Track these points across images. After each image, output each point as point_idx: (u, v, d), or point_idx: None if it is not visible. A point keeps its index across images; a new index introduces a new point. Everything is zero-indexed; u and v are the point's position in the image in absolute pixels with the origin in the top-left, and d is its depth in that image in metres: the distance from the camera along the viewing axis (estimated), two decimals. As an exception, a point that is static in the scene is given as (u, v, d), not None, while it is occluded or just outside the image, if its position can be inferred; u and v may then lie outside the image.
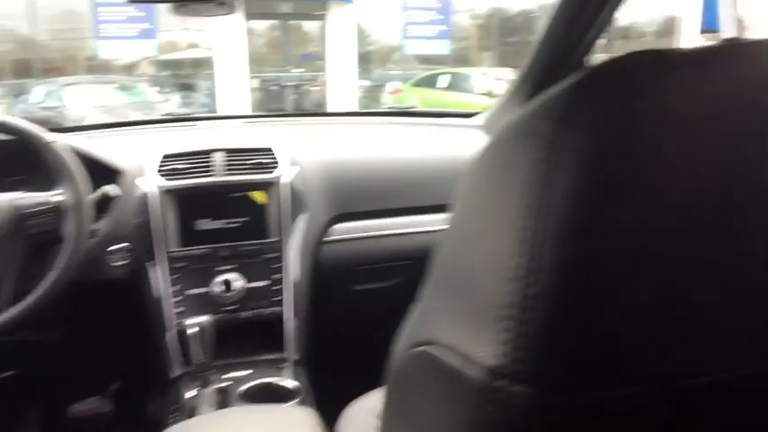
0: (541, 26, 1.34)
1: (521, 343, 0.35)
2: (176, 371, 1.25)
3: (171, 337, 1.24)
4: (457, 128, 1.72)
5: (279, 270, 1.30)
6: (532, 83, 1.49)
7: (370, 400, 1.09)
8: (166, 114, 1.72)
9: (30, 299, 1.00)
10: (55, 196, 1.06)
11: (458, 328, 0.40)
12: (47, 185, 1.10)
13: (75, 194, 1.06)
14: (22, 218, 1.02)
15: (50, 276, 1.01)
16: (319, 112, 2.13)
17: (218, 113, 2.18)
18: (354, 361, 1.70)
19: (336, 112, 1.93)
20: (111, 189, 1.15)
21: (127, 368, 1.71)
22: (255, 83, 12.15)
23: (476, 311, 0.38)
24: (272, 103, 11.87)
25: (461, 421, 0.38)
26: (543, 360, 0.35)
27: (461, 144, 1.61)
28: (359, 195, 1.43)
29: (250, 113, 1.74)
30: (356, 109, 11.28)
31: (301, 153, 1.43)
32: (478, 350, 0.37)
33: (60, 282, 1.02)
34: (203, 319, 1.09)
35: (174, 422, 1.08)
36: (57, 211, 1.05)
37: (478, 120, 1.76)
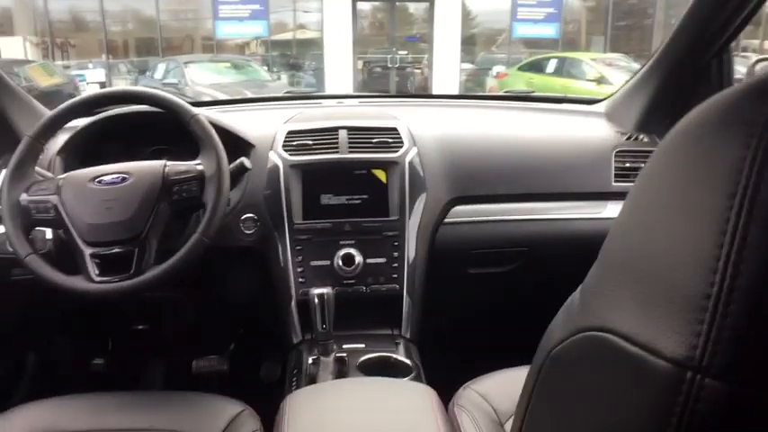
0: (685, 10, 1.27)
1: (717, 336, 0.34)
2: (297, 337, 1.31)
3: (294, 305, 1.30)
4: (577, 114, 1.66)
5: (397, 249, 1.32)
6: (667, 70, 1.41)
7: (482, 384, 1.10)
8: (288, 92, 1.79)
9: (173, 260, 1.08)
10: (198, 165, 1.14)
11: (637, 317, 0.39)
12: (189, 155, 1.17)
13: (216, 164, 1.12)
14: (169, 184, 1.11)
15: (193, 239, 1.09)
16: (434, 95, 2.13)
17: (336, 92, 2.23)
18: (465, 343, 1.71)
19: (451, 94, 1.91)
20: (245, 161, 1.21)
21: (246, 331, 1.82)
22: (359, 64, 12.33)
23: (661, 301, 0.37)
24: (376, 85, 11.99)
25: (644, 408, 0.38)
26: (740, 354, 0.34)
27: (583, 131, 1.56)
28: (479, 179, 1.42)
29: (368, 93, 1.77)
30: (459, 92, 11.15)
31: (424, 134, 1.44)
32: (664, 340, 0.36)
33: (201, 245, 1.09)
34: (326, 290, 1.13)
35: (296, 386, 1.13)
36: (199, 179, 1.12)
37: (600, 107, 1.69)
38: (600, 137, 1.51)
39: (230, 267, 1.13)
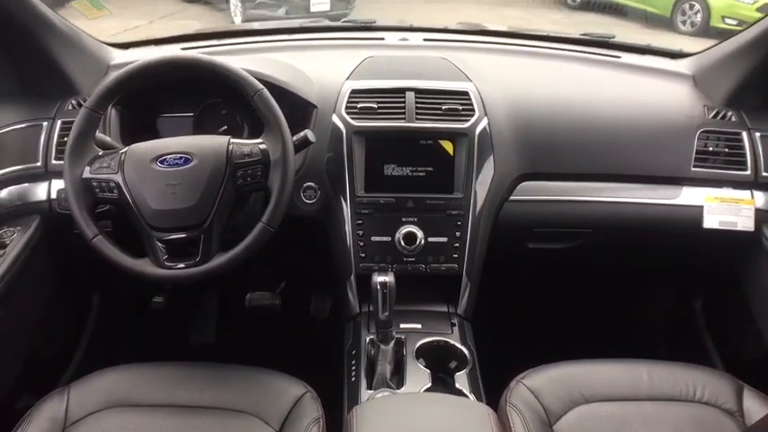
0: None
1: None
2: (355, 310, 1.32)
3: (353, 278, 1.30)
4: (662, 76, 1.52)
5: (459, 228, 1.28)
6: None
7: (535, 379, 1.10)
8: (347, 21, 1.66)
9: (238, 249, 1.06)
10: (261, 145, 1.08)
11: None
12: (253, 132, 1.12)
13: (282, 148, 1.07)
14: (233, 167, 1.06)
15: (258, 228, 1.06)
16: (505, 32, 1.93)
17: (401, 22, 2.03)
18: (519, 320, 1.72)
19: (524, 33, 1.75)
20: (309, 134, 1.15)
21: (297, 270, 1.85)
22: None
23: None
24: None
25: None
26: None
27: (668, 102, 1.43)
28: (551, 155, 1.34)
29: (433, 26, 1.61)
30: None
31: (495, 98, 1.34)
32: None
33: (266, 234, 1.06)
34: (388, 278, 1.11)
35: (355, 371, 1.16)
36: (264, 162, 1.07)
37: (688, 66, 1.55)
38: (685, 113, 1.39)
39: (289, 235, 1.11)
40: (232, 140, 1.09)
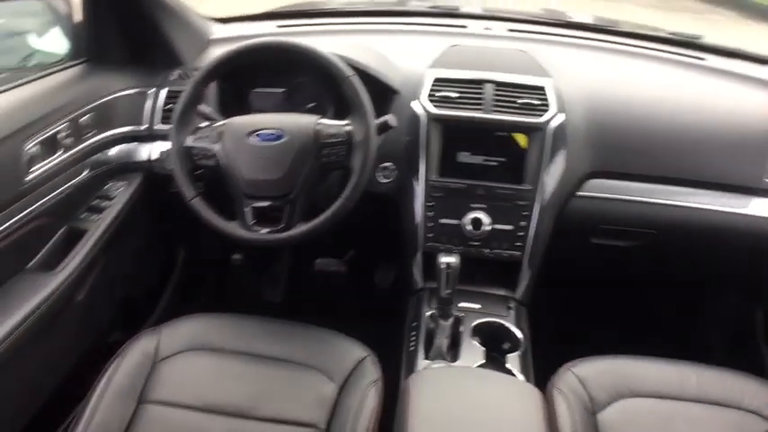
0: None
1: None
2: (419, 284, 1.40)
3: (420, 255, 1.38)
4: (749, 83, 1.50)
5: (525, 218, 1.34)
6: None
7: (583, 367, 1.15)
8: (432, 7, 1.69)
9: (319, 220, 1.16)
10: (347, 126, 1.17)
11: None
12: (338, 111, 1.20)
13: (365, 131, 1.15)
14: (319, 146, 1.16)
15: (338, 204, 1.16)
16: (593, 26, 1.90)
17: (486, 11, 2.04)
18: (574, 311, 1.75)
19: (608, 28, 1.74)
20: (391, 119, 1.22)
21: (365, 240, 1.94)
22: None
23: None
24: None
25: None
26: None
27: (750, 110, 1.41)
28: (624, 154, 1.36)
29: (517, 16, 1.62)
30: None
31: (572, 94, 1.37)
32: None
33: (345, 209, 1.16)
34: (453, 259, 1.18)
35: (414, 342, 1.25)
36: (347, 143, 1.16)
37: None
38: (765, 123, 1.37)
39: (362, 210, 1.20)
40: (319, 121, 1.18)
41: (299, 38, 1.21)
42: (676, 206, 1.36)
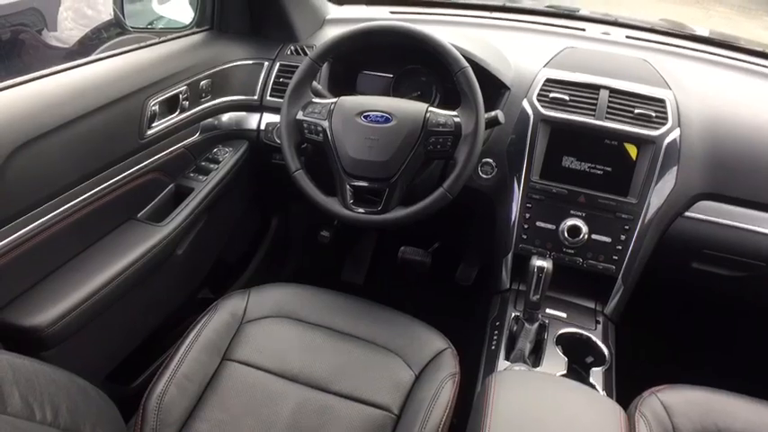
0: None
1: None
2: (505, 285, 1.38)
3: (510, 256, 1.36)
4: None
5: (626, 232, 1.29)
6: None
7: (670, 395, 1.10)
8: (549, 6, 1.64)
9: (417, 207, 1.17)
10: (456, 118, 1.16)
11: None
12: (444, 100, 1.19)
13: (474, 124, 1.14)
14: (427, 133, 1.16)
15: (438, 193, 1.16)
16: (710, 39, 1.78)
17: (605, 15, 1.96)
18: (665, 336, 1.67)
19: (733, 44, 1.64)
20: (500, 115, 1.21)
21: (451, 235, 1.94)
22: None
23: None
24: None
25: None
26: None
27: None
28: (739, 179, 1.28)
29: (637, 23, 1.55)
30: None
31: (692, 110, 1.30)
32: None
33: (444, 199, 1.16)
34: (546, 263, 1.16)
35: (496, 341, 1.23)
36: (455, 134, 1.16)
37: None
38: None
39: (457, 203, 1.19)
40: (430, 109, 1.18)
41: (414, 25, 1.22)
42: None
